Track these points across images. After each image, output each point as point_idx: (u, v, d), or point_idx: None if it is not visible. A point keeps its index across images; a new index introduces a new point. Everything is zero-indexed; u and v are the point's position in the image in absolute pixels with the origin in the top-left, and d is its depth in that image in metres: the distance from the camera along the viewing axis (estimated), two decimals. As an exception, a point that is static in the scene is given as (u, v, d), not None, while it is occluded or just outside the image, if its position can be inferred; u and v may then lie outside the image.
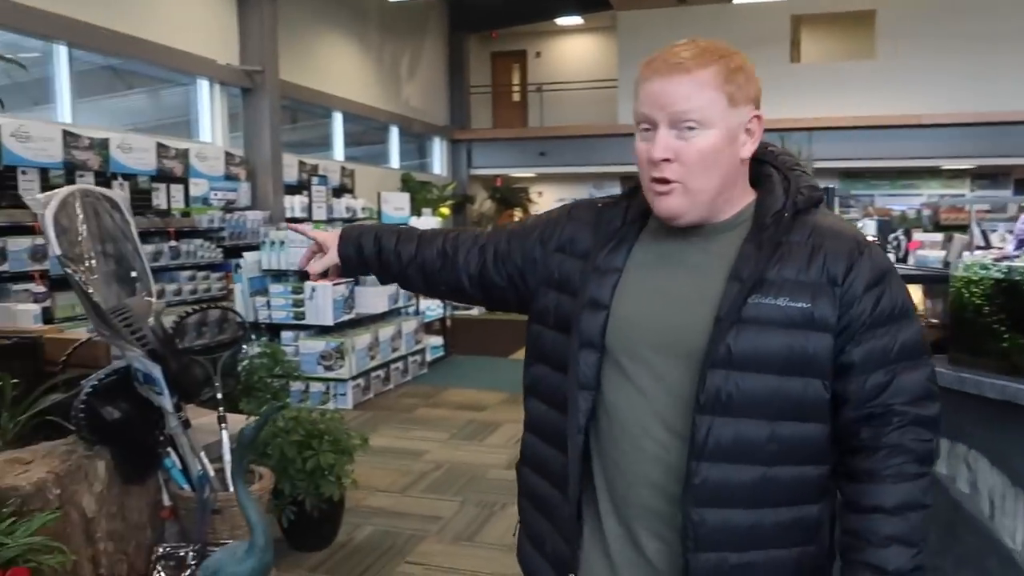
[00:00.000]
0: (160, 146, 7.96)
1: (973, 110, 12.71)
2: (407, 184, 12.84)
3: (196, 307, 3.21)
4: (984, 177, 14.85)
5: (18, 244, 5.90)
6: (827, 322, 1.09)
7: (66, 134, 6.84)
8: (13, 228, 5.91)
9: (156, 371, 2.54)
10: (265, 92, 9.52)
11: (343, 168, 11.71)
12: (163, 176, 7.99)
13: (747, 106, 1.13)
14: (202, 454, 2.72)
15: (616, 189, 17.19)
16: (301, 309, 5.70)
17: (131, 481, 2.64)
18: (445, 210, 13.26)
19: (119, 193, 2.75)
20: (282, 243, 5.77)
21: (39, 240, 6.03)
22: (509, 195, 15.87)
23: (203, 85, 9.21)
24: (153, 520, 2.81)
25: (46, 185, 6.60)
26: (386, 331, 6.28)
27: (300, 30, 10.70)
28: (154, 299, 2.81)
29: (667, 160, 1.10)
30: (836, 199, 16.40)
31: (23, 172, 6.44)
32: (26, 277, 5.97)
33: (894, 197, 15.37)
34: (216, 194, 8.80)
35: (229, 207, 8.85)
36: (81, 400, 2.58)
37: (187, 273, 7.58)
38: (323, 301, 5.63)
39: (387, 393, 6.37)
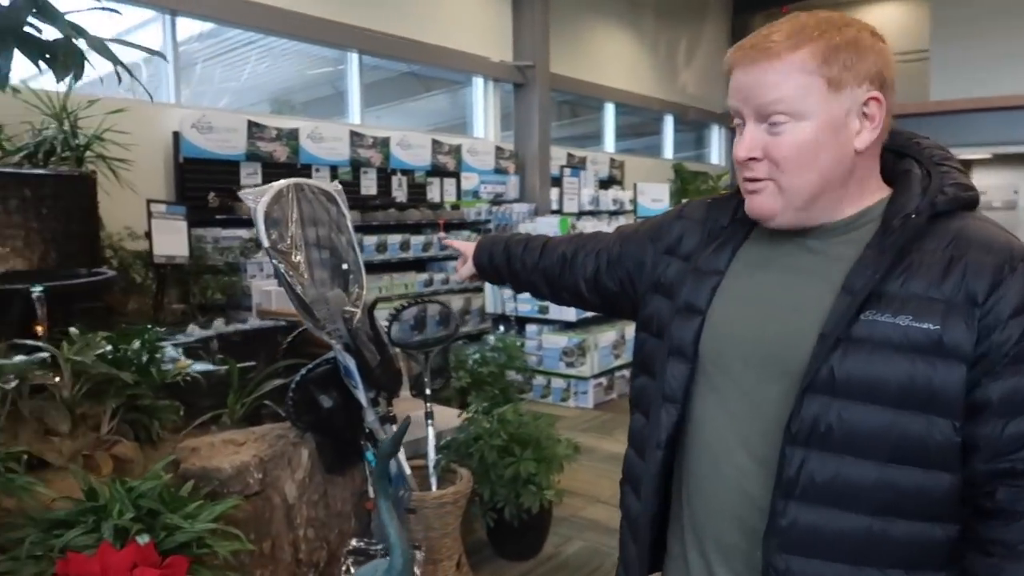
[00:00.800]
0: (435, 142, 8.42)
1: None
2: (679, 174, 12.35)
3: (409, 301, 3.21)
4: None
5: (307, 235, 6.53)
6: (961, 349, 0.90)
7: (353, 134, 7.48)
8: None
9: (351, 363, 2.53)
10: (535, 86, 9.68)
11: (612, 160, 11.58)
12: (437, 171, 8.46)
13: (860, 87, 0.98)
14: (399, 452, 2.68)
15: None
16: (546, 303, 5.63)
17: (332, 471, 2.68)
18: (718, 201, 12.53)
19: (335, 186, 2.79)
20: (530, 236, 5.75)
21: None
22: (793, 184, 14.57)
23: (477, 83, 9.61)
24: (358, 510, 2.84)
25: (335, 180, 7.30)
26: (607, 336, 5.97)
27: (572, 23, 10.73)
28: (364, 291, 2.82)
29: (754, 159, 0.99)
30: None
31: (316, 170, 7.17)
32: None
33: None
34: (485, 187, 9.14)
35: (497, 200, 9.15)
36: (292, 387, 2.67)
37: (454, 263, 7.93)
38: (566, 295, 5.50)
39: (608, 404, 6.00)
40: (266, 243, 2.45)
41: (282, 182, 2.59)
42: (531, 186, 9.58)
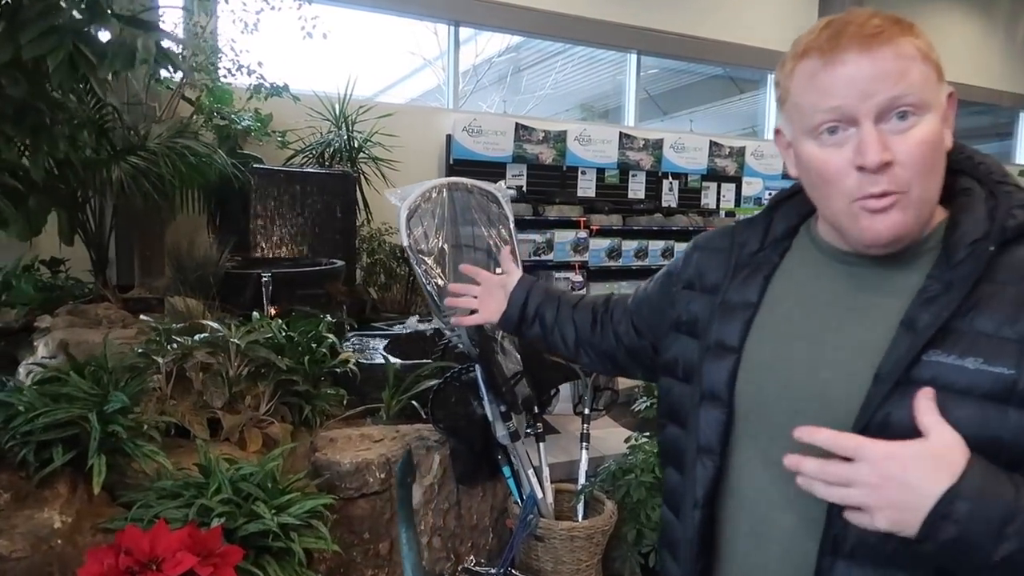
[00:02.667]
0: (713, 145, 7.95)
1: None
2: (1030, 183, 10.24)
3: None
4: None
5: (564, 237, 6.57)
6: None
7: (623, 136, 7.34)
8: (562, 222, 6.60)
9: (479, 373, 2.41)
10: (840, 82, 8.68)
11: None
12: (714, 175, 7.97)
13: (943, 82, 0.89)
14: (530, 472, 2.50)
15: None
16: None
17: (463, 481, 2.58)
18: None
19: (499, 187, 2.69)
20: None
21: (582, 233, 6.64)
22: None
23: (770, 80, 8.88)
24: (498, 527, 2.72)
25: (601, 184, 7.25)
26: None
27: (895, 9, 9.41)
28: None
29: (887, 164, 0.83)
30: None
31: (582, 172, 7.16)
32: (568, 266, 6.62)
33: None
34: (770, 193, 8.40)
35: (783, 207, 8.36)
36: (435, 389, 2.63)
37: (721, 274, 7.42)
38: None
39: None
40: (406, 242, 2.42)
41: (434, 181, 2.54)
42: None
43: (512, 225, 2.71)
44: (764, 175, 8.35)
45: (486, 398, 2.41)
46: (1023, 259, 0.83)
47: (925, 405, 0.75)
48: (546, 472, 2.65)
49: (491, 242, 2.65)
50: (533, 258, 6.40)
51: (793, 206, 1.04)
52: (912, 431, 0.77)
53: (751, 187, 8.27)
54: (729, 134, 8.66)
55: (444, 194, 2.54)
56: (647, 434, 2.80)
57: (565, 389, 3.05)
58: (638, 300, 1.24)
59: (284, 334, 2.73)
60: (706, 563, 1.00)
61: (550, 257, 6.50)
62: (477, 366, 2.46)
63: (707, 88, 9.51)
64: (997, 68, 10.55)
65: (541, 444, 2.68)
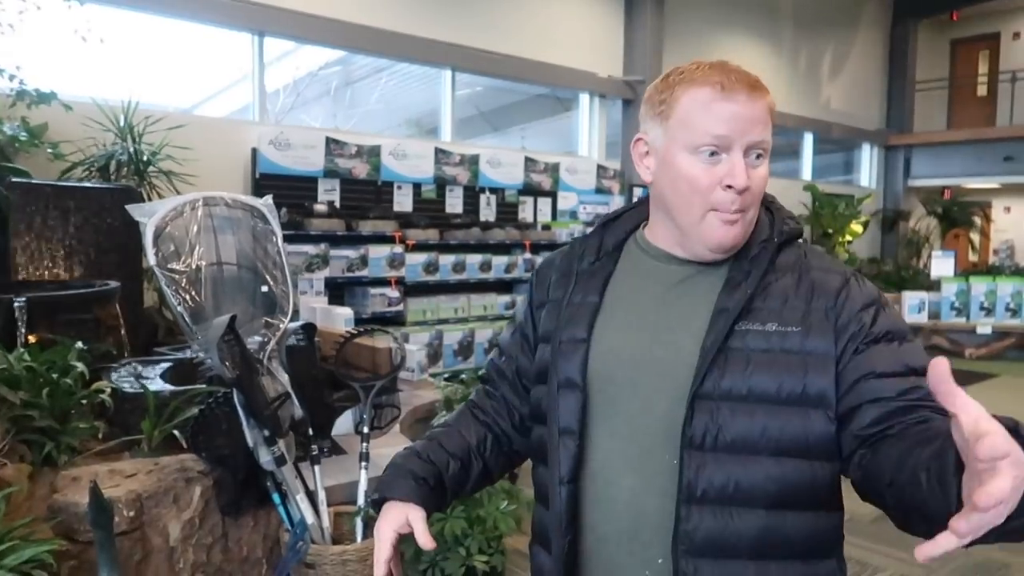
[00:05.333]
0: (528, 160, 8.16)
1: None
2: (814, 197, 11.32)
3: (355, 331, 2.94)
4: None
5: (378, 252, 6.47)
6: (823, 347, 1.01)
7: (438, 151, 7.37)
8: (377, 237, 6.51)
9: (236, 396, 2.29)
10: (646, 102, 9.19)
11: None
12: (530, 190, 8.18)
13: None
14: (299, 496, 2.40)
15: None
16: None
17: (228, 512, 2.44)
18: (857, 227, 11.34)
19: (264, 202, 2.58)
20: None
21: (398, 248, 6.58)
22: (956, 211, 12.95)
23: (583, 99, 9.26)
24: (272, 557, 2.59)
25: (417, 199, 7.23)
26: None
27: (693, 35, 10.13)
28: (288, 318, 2.58)
29: (746, 189, 1.03)
30: None
31: (398, 187, 7.11)
32: (384, 282, 6.53)
33: None
34: (585, 207, 8.75)
35: (595, 221, 8.71)
36: (197, 415, 2.47)
37: (538, 286, 7.60)
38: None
39: None
40: (152, 261, 2.26)
41: (185, 196, 2.40)
42: (636, 207, 9.08)
43: (280, 240, 2.61)
44: (578, 190, 8.67)
45: (246, 423, 2.30)
46: (794, 255, 1.09)
47: (962, 402, 0.68)
48: (322, 496, 2.57)
49: (258, 261, 2.54)
50: (347, 274, 6.26)
51: (620, 224, 1.21)
52: (734, 387, 0.99)
53: (566, 201, 8.55)
54: (556, 152, 8.92)
55: (200, 210, 2.40)
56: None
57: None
58: (508, 356, 1.30)
59: (23, 365, 2.47)
60: (572, 536, 1.07)
61: (364, 273, 6.38)
62: (234, 390, 2.34)
63: (536, 105, 9.80)
64: (783, 92, 11.59)
65: (316, 467, 2.60)
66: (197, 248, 2.36)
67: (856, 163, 13.79)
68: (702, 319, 1.04)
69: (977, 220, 13.58)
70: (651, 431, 1.03)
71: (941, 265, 10.33)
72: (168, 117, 5.38)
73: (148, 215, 2.29)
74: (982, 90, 14.68)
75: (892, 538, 3.55)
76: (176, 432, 2.58)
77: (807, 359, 1.00)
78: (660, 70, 8.39)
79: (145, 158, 5.10)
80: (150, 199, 4.88)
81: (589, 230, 1.24)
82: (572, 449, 1.06)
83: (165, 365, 3.42)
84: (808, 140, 12.43)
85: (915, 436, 0.89)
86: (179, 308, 2.24)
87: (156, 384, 2.95)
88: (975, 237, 13.70)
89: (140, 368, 3.35)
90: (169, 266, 2.29)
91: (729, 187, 1.02)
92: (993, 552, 3.55)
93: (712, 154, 1.03)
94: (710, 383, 1.00)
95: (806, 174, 12.46)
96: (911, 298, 9.50)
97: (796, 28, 11.75)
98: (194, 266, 2.35)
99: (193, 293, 2.31)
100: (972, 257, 14.29)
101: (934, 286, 9.80)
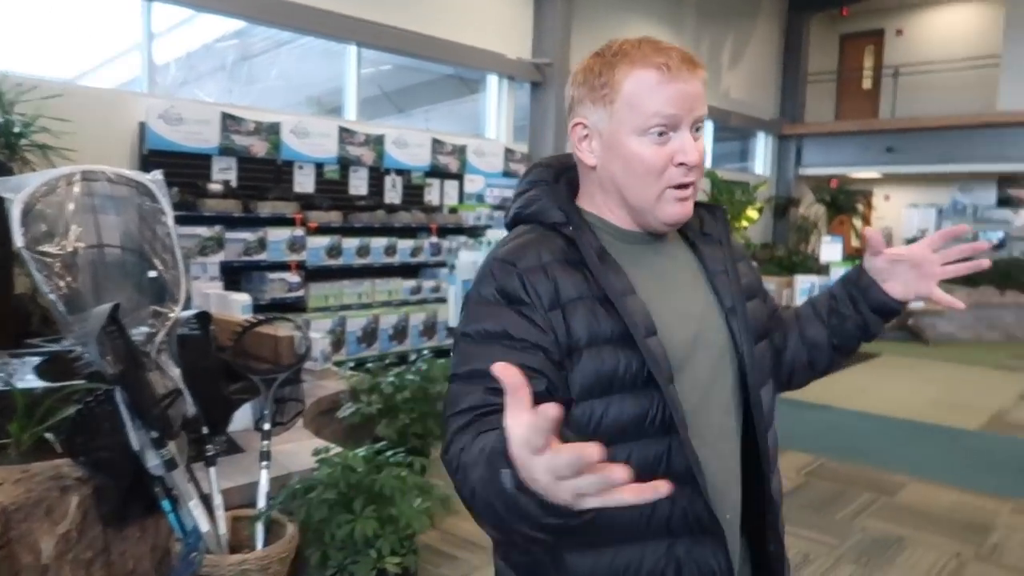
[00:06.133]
0: (435, 142, 7.98)
1: None
2: (713, 184, 11.62)
3: (255, 319, 2.74)
4: None
5: (278, 235, 6.17)
6: (760, 283, 1.25)
7: (342, 131, 7.09)
8: (276, 220, 6.20)
9: (119, 394, 2.07)
10: (554, 85, 9.15)
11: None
12: (437, 172, 8.01)
13: None
14: (192, 502, 2.21)
15: (991, 193, 13.93)
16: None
17: (110, 523, 2.22)
18: (753, 213, 11.72)
19: (152, 177, 2.35)
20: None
21: (299, 231, 6.29)
22: (842, 199, 13.59)
23: (491, 81, 9.13)
24: (163, 568, 2.38)
25: (320, 179, 6.94)
26: None
27: (600, 19, 10.16)
28: (180, 307, 2.36)
29: (696, 164, 1.06)
30: None
31: (300, 167, 6.80)
32: (284, 266, 6.24)
33: None
34: (492, 191, 8.65)
35: (505, 205, 8.64)
36: (74, 416, 2.23)
37: (446, 270, 7.46)
38: (530, 312, 4.95)
39: None
40: (19, 242, 2.01)
41: (60, 170, 2.15)
42: (544, 191, 9.04)
43: (171, 220, 2.39)
44: (486, 173, 8.56)
45: (130, 424, 2.08)
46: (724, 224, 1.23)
47: None
48: (218, 500, 2.38)
49: (145, 243, 2.31)
50: (244, 258, 5.94)
51: (553, 208, 1.12)
52: (750, 329, 1.14)
53: (473, 184, 8.43)
54: (464, 134, 8.75)
55: (77, 186, 2.15)
56: (338, 449, 2.62)
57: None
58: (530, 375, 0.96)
59: None
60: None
61: (263, 257, 6.08)
62: (117, 387, 2.11)
63: (441, 87, 9.60)
64: (686, 80, 11.80)
65: (212, 469, 2.40)
66: (73, 228, 2.11)
67: (752, 151, 14.25)
68: (702, 287, 1.13)
69: (860, 207, 14.31)
70: (719, 385, 1.11)
71: (830, 250, 10.82)
72: (43, 86, 4.92)
73: (15, 190, 2.03)
74: (867, 83, 15.43)
75: (795, 518, 3.65)
76: (49, 435, 2.32)
77: (762, 295, 1.24)
78: (568, 53, 8.34)
79: (16, 130, 4.65)
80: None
81: (509, 216, 1.15)
82: (674, 395, 1.03)
83: (38, 359, 3.11)
84: (708, 128, 12.73)
85: (797, 324, 1.30)
86: (52, 296, 2.00)
87: (27, 381, 2.67)
88: (858, 223, 14.43)
89: (9, 362, 3.04)
90: (40, 248, 2.03)
91: (681, 163, 1.04)
92: (889, 527, 3.70)
93: (661, 134, 1.04)
94: (741, 329, 1.12)
95: (706, 161, 12.76)
96: (802, 282, 9.88)
97: (699, 17, 11.97)
98: (70, 248, 2.10)
99: (69, 279, 2.06)
100: (855, 243, 15.06)
101: (823, 270, 10.23)
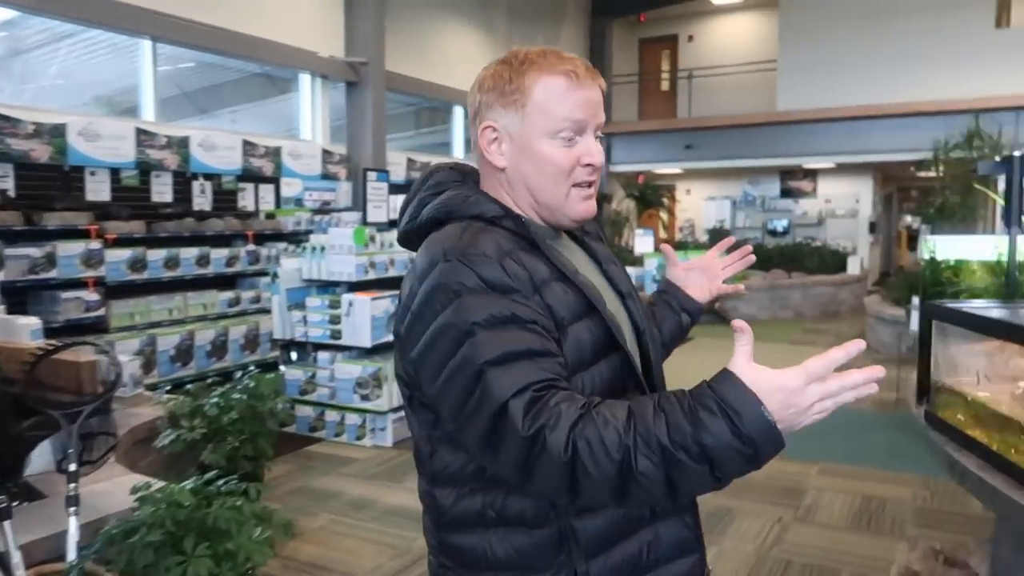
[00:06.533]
0: (247, 144, 7.54)
1: None
2: (533, 182, 11.90)
3: (50, 345, 2.41)
4: None
5: (70, 249, 5.54)
6: None
7: (140, 132, 6.51)
8: (67, 232, 5.57)
9: None
10: (370, 85, 8.96)
11: (460, 165, 10.98)
12: (250, 176, 7.58)
13: None
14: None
15: (775, 185, 15.39)
16: (338, 327, 4.90)
17: None
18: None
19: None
20: (323, 249, 4.98)
21: (94, 243, 5.69)
22: (649, 193, 14.47)
23: (304, 80, 8.78)
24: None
25: (117, 186, 6.33)
26: None
27: (414, 19, 10.09)
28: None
29: (600, 165, 1.14)
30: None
31: (92, 172, 6.16)
32: (79, 284, 5.61)
33: None
34: (311, 195, 8.32)
35: (324, 208, 8.35)
36: None
37: (266, 279, 7.07)
38: (361, 318, 4.79)
39: None
40: None
41: None
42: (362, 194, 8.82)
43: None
44: (303, 175, 8.22)
45: None
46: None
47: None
48: (17, 558, 2.06)
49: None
50: (30, 277, 5.28)
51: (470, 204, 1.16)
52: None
53: (291, 188, 8.07)
54: (277, 135, 8.32)
55: None
56: (160, 483, 2.36)
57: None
58: (553, 358, 1.01)
59: None
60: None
61: (53, 274, 5.42)
62: None
63: (249, 86, 9.09)
64: (501, 81, 12.02)
65: (7, 523, 2.07)
66: None
67: (566, 150, 14.78)
68: (599, 273, 1.21)
69: (666, 201, 15.29)
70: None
71: (642, 242, 11.47)
72: None
73: None
74: (665, 85, 16.51)
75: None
76: None
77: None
78: (384, 52, 8.19)
79: None
80: None
81: (404, 213, 1.20)
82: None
83: None
84: (524, 127, 13.06)
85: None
86: None
87: None
88: (664, 216, 15.42)
89: None
90: None
91: (588, 164, 1.11)
92: (719, 500, 3.93)
93: (570, 138, 1.10)
94: (641, 319, 1.21)
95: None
96: (620, 273, 10.38)
97: (509, 18, 12.22)
98: None
99: None
100: (662, 234, 16.07)
101: (638, 261, 10.81)
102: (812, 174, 15.06)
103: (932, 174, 8.98)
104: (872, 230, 15.07)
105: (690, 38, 16.28)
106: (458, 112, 11.45)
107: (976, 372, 1.31)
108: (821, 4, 12.74)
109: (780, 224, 15.31)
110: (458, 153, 11.49)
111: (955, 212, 8.18)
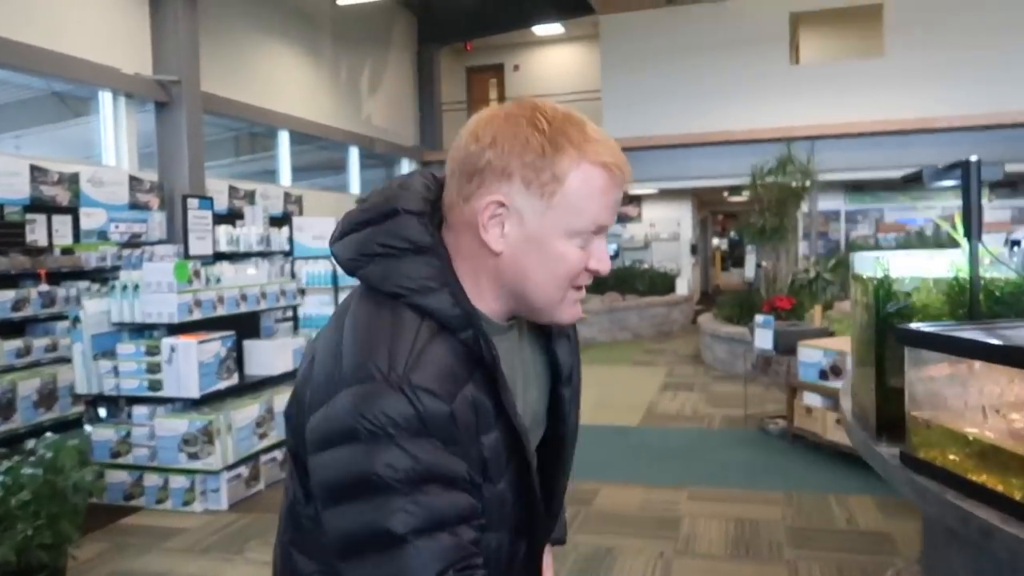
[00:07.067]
0: (36, 170, 6.56)
1: (992, 110, 11.35)
2: (366, 210, 11.43)
3: None
4: (1005, 185, 13.49)
5: None
6: None
7: None
8: None
9: None
10: (183, 105, 8.16)
11: (287, 194, 10.32)
12: (41, 206, 6.59)
13: None
14: None
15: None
16: (158, 376, 4.22)
17: None
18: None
19: None
20: (136, 287, 4.30)
21: None
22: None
23: (105, 98, 7.84)
24: None
25: None
26: (287, 398, 4.76)
27: (233, 38, 9.39)
28: None
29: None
30: (843, 215, 15.20)
31: None
32: None
33: (906, 211, 14.15)
34: (117, 226, 7.39)
35: (135, 241, 7.45)
36: None
37: (64, 323, 6.12)
38: (186, 365, 4.15)
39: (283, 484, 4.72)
40: None
41: None
42: (181, 225, 7.98)
43: None
44: (107, 205, 7.28)
45: None
46: None
47: None
48: None
49: None
50: None
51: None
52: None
53: (92, 219, 7.11)
54: (74, 160, 7.31)
55: None
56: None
57: None
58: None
59: None
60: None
61: None
62: None
63: (36, 108, 8.01)
64: (328, 105, 11.50)
65: None
66: None
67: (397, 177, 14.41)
68: (541, 358, 1.08)
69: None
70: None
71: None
72: None
73: None
74: (494, 114, 16.64)
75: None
76: None
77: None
78: (198, 71, 7.48)
79: None
80: None
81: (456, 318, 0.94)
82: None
83: None
84: (354, 154, 12.57)
85: None
86: None
87: None
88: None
89: None
90: None
91: (595, 271, 0.97)
92: (597, 540, 3.72)
93: (588, 239, 0.95)
94: (571, 405, 1.11)
95: (354, 187, 12.59)
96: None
97: (335, 41, 11.74)
98: None
99: None
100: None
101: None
102: (637, 199, 15.69)
103: (742, 198, 9.54)
104: (693, 252, 15.91)
105: (516, 67, 16.55)
106: (284, 138, 10.77)
107: (983, 407, 1.13)
108: (638, 38, 13.33)
109: (610, 248, 15.77)
110: (285, 182, 10.79)
111: (775, 232, 8.70)
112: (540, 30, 15.13)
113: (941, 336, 1.18)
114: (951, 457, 1.18)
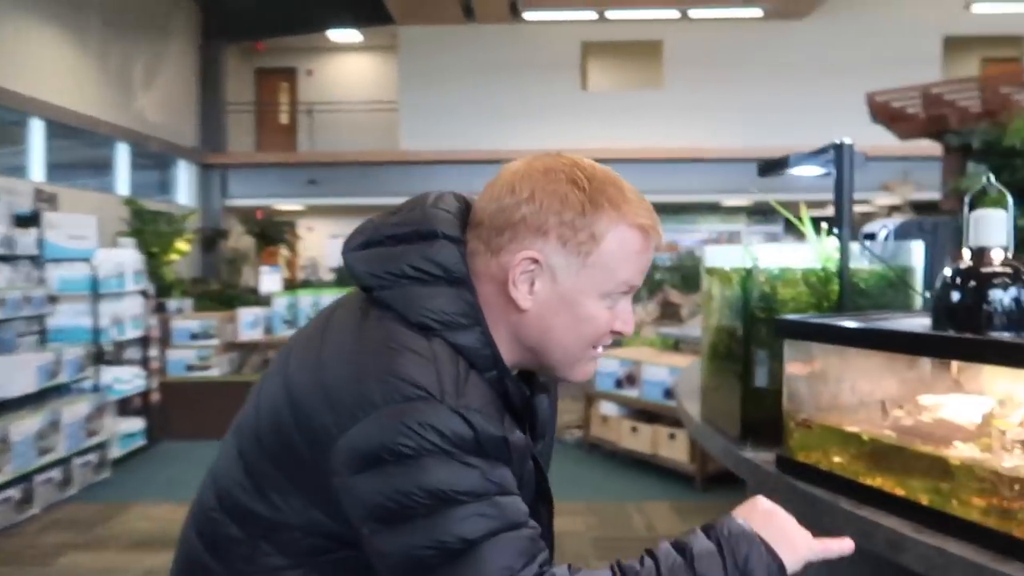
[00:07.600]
0: None
1: (750, 144, 12.61)
2: (137, 214, 10.29)
3: None
4: (759, 213, 15.05)
5: None
6: None
7: None
8: None
9: None
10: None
11: (39, 191, 9.01)
12: None
13: None
14: None
15: (400, 223, 15.70)
16: None
17: None
18: (183, 245, 10.80)
19: None
20: None
21: None
22: (270, 229, 13.58)
23: None
24: None
25: None
26: (27, 424, 3.98)
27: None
28: None
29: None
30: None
31: None
32: None
33: (675, 233, 15.29)
34: None
35: None
36: None
37: None
38: None
39: (23, 527, 3.96)
40: None
41: None
42: None
43: None
44: None
45: None
46: None
47: None
48: None
49: None
50: None
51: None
52: None
53: None
54: None
55: None
56: None
57: None
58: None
59: None
60: None
61: None
62: None
63: None
64: (93, 94, 10.25)
65: None
66: None
67: (174, 180, 13.20)
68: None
69: (289, 238, 14.55)
70: None
71: (270, 280, 10.55)
72: None
73: None
74: (285, 118, 15.83)
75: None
76: None
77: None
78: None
79: None
80: None
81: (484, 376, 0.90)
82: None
83: None
84: (124, 151, 11.30)
85: None
86: None
87: None
88: (287, 254, 14.63)
89: None
90: None
91: (619, 332, 0.95)
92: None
93: (614, 297, 0.94)
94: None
95: (122, 188, 11.31)
96: (245, 315, 9.38)
97: (104, 27, 10.52)
98: None
99: None
100: (285, 273, 15.25)
101: (264, 301, 9.91)
102: (433, 214, 15.60)
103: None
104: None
105: (310, 72, 15.89)
106: (36, 126, 9.41)
107: (882, 402, 1.03)
108: (435, 54, 13.31)
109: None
110: (37, 177, 9.42)
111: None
112: (337, 36, 14.66)
113: (832, 328, 1.09)
114: (836, 460, 1.08)
